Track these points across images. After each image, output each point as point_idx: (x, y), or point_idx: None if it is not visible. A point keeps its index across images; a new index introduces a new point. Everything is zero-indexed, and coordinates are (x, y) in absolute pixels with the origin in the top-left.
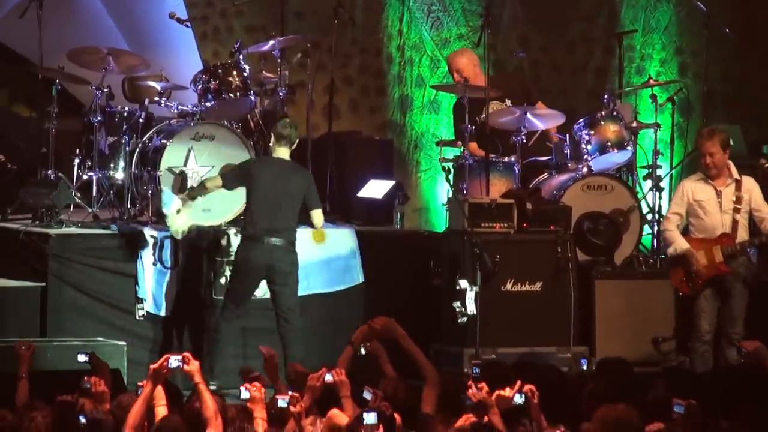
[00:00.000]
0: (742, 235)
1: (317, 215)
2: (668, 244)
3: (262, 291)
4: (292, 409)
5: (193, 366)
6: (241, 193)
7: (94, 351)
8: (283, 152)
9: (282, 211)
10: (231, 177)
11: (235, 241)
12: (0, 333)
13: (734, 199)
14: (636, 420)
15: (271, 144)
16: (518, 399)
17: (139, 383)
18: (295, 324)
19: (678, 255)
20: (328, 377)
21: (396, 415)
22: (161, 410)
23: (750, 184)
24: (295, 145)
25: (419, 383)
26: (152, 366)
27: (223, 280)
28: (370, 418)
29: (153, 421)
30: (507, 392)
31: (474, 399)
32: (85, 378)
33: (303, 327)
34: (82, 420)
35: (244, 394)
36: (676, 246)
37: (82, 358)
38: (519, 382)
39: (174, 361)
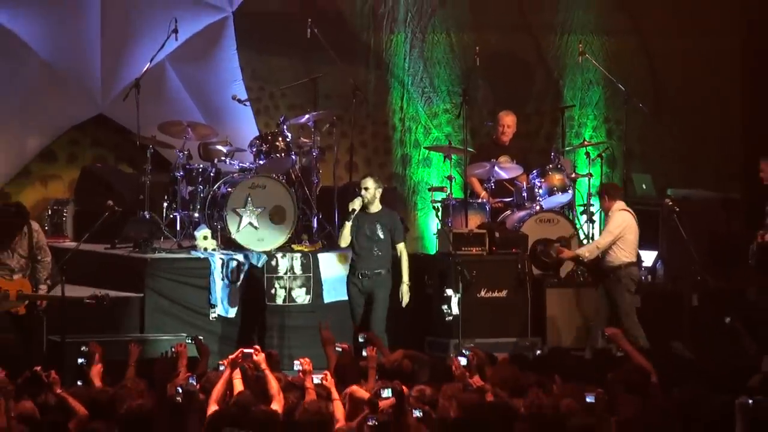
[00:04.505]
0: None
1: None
2: None
3: (302, 298)
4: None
5: (260, 357)
6: (284, 227)
7: (197, 335)
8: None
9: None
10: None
11: (283, 262)
12: (112, 330)
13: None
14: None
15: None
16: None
17: (219, 362)
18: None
19: None
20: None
21: (403, 388)
22: (237, 384)
23: None
24: None
25: None
26: (230, 356)
27: (272, 291)
28: (386, 392)
29: (232, 393)
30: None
31: (456, 371)
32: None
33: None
34: (179, 390)
35: (297, 366)
36: None
37: (188, 340)
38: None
39: (246, 352)
